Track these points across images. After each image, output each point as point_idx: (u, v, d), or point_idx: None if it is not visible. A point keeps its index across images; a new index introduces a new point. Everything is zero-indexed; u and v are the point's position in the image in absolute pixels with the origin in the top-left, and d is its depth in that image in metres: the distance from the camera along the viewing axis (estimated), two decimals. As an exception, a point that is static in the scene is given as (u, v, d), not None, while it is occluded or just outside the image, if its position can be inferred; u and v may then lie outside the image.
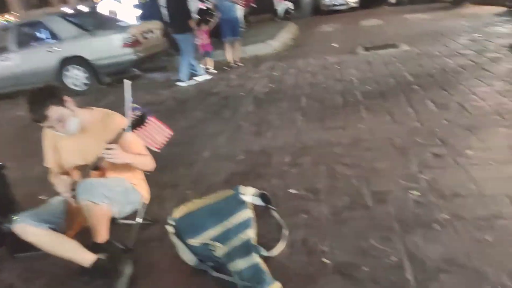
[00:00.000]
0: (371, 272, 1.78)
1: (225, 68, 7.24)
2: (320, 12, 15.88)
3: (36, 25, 7.55)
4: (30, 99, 1.99)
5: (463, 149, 2.74)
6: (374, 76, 5.11)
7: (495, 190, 2.20)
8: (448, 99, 3.77)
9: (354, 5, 15.44)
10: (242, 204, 2.31)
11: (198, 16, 6.93)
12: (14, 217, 1.93)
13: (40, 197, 2.99)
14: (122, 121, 2.04)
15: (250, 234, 2.10)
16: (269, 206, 2.40)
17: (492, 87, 3.88)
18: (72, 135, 2.12)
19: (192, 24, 6.37)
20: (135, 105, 2.03)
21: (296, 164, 2.98)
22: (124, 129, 1.98)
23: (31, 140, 2.27)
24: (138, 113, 2.02)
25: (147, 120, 2.04)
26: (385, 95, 4.23)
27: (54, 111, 1.97)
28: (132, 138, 2.12)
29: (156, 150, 2.18)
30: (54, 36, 7.21)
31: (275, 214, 2.32)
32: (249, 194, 2.44)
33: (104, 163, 2.06)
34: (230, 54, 7.37)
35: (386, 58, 6.03)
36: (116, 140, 1.99)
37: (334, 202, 2.39)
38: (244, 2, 7.70)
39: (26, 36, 7.55)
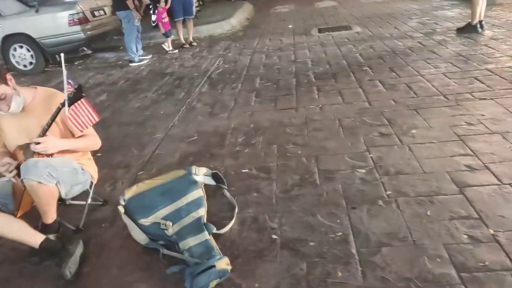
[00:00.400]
0: (317, 246, 1.87)
1: (177, 48, 7.08)
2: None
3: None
4: None
5: (409, 129, 2.90)
6: (327, 57, 5.21)
7: (437, 168, 2.35)
8: (396, 80, 3.94)
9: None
10: (194, 184, 2.33)
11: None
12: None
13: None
14: (63, 98, 1.97)
15: (202, 212, 2.14)
16: (221, 185, 2.43)
17: (438, 69, 4.09)
18: (15, 115, 2.03)
19: (130, 3, 6.10)
20: (69, 80, 1.96)
21: (249, 144, 3.02)
22: (62, 104, 1.92)
23: None
24: (74, 87, 1.95)
25: (84, 94, 1.98)
26: (337, 77, 4.34)
27: None
28: (79, 116, 2.05)
29: (79, 131, 2.09)
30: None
31: (227, 193, 2.36)
32: (201, 174, 2.46)
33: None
34: (181, 34, 7.22)
35: (339, 39, 6.15)
36: (54, 119, 1.93)
37: (285, 180, 2.46)
38: None
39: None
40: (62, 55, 2.09)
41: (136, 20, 6.29)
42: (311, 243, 1.90)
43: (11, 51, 6.76)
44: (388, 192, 2.20)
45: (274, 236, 1.98)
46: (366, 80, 4.07)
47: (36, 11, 6.60)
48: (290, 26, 8.00)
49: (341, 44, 5.82)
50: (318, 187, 2.34)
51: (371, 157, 2.59)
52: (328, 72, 4.57)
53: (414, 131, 2.85)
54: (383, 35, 6.00)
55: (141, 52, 6.72)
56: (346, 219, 2.03)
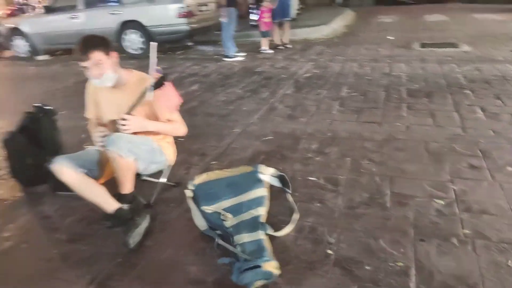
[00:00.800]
0: (373, 272, 1.76)
1: (272, 49, 7.19)
2: (384, 1, 15.22)
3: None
4: (82, 39, 2.11)
5: (505, 164, 2.58)
6: (425, 74, 4.87)
7: (529, 214, 2.07)
8: (500, 109, 3.55)
9: (420, -3, 14.63)
10: (259, 182, 2.34)
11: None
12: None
13: (85, 146, 3.21)
14: (148, 83, 2.12)
15: (261, 211, 2.14)
16: (285, 188, 2.41)
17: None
18: (111, 91, 2.25)
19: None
20: (158, 67, 2.10)
21: (322, 153, 2.95)
22: (147, 88, 2.07)
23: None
24: (160, 74, 2.09)
25: (165, 82, 2.11)
26: (432, 96, 4.04)
27: (96, 55, 2.06)
28: (163, 101, 2.21)
29: (165, 113, 2.26)
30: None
31: (290, 198, 2.33)
32: (268, 174, 2.47)
33: None
34: (277, 35, 7.32)
35: (442, 57, 5.72)
36: (139, 100, 2.09)
37: (352, 196, 2.36)
38: None
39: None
40: (154, 44, 2.18)
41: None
42: (367, 267, 1.79)
43: (123, 35, 7.47)
44: (466, 231, 1.98)
45: (329, 251, 1.91)
46: (465, 105, 3.72)
47: (151, 2, 7.21)
48: (391, 38, 7.65)
49: (443, 62, 5.40)
50: (387, 210, 2.20)
51: (453, 189, 2.35)
52: (423, 90, 4.27)
53: (510, 168, 2.53)
54: (495, 58, 5.44)
55: (236, 48, 6.96)
56: (410, 250, 1.88)
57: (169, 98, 2.19)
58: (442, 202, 2.23)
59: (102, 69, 2.11)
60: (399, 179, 2.51)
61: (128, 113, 2.10)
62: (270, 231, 2.00)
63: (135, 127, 2.12)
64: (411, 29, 8.57)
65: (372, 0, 15.69)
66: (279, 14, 7.05)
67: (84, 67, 2.10)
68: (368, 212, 2.19)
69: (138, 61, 7.18)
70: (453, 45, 6.49)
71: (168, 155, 2.45)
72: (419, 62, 5.53)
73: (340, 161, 2.81)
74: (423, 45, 6.68)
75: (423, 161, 2.72)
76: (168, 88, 2.17)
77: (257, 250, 1.85)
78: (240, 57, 6.76)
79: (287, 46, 7.36)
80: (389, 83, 4.63)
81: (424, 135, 3.12)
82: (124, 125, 2.07)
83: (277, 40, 7.36)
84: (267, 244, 1.91)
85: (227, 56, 6.70)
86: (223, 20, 6.49)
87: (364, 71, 5.28)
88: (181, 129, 2.38)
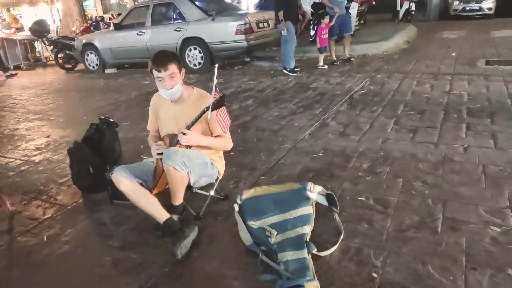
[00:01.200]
0: (419, 298, 1.71)
1: (328, 65, 7.20)
2: (448, 16, 14.58)
3: (168, 5, 8.35)
4: (159, 52, 2.33)
5: None
6: (488, 94, 4.61)
7: None
8: None
9: (488, 12, 13.79)
10: (306, 200, 2.37)
11: (311, 10, 6.99)
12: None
13: (143, 157, 3.44)
14: (209, 102, 2.25)
15: (306, 230, 2.16)
16: (333, 207, 2.41)
17: None
18: (172, 105, 2.43)
19: (280, 14, 6.39)
20: (218, 89, 2.24)
21: (374, 172, 2.91)
22: (206, 107, 2.20)
23: (149, 106, 2.64)
24: (219, 95, 2.22)
25: (225, 103, 2.24)
26: (494, 117, 3.81)
27: (173, 68, 2.27)
28: (219, 119, 2.34)
29: (220, 131, 2.42)
30: (181, 17, 7.92)
31: (336, 217, 2.33)
32: (315, 192, 2.49)
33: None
34: (333, 51, 7.36)
35: (509, 75, 5.36)
36: (199, 118, 2.23)
37: (402, 219, 2.30)
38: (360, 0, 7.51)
39: (160, 14, 8.42)
40: (216, 66, 2.39)
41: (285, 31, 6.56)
42: (413, 293, 1.75)
43: (187, 51, 7.88)
44: (524, 262, 1.86)
45: (374, 274, 1.88)
46: (532, 126, 3.48)
47: (212, 20, 7.56)
48: (453, 54, 7.32)
49: (509, 81, 5.07)
50: (438, 235, 2.12)
51: (512, 216, 2.22)
52: (485, 110, 4.05)
53: None
54: None
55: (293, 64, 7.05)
56: (461, 279, 1.80)
57: (223, 119, 2.32)
58: (498, 229, 2.11)
59: (174, 82, 2.30)
60: (453, 203, 2.41)
61: (189, 128, 2.24)
62: (314, 250, 2.01)
63: (193, 141, 2.26)
64: (476, 46, 8.13)
65: (436, 15, 15.09)
66: (337, 31, 7.11)
67: (159, 77, 2.29)
68: (418, 236, 2.13)
69: (197, 75, 7.52)
70: (523, 62, 6.08)
71: (219, 168, 2.57)
72: (483, 80, 5.23)
73: (392, 181, 2.75)
74: (488, 63, 6.31)
75: (480, 185, 2.59)
76: (224, 110, 2.30)
77: (300, 269, 1.87)
78: (296, 72, 6.83)
79: (351, 59, 7.39)
80: (448, 101, 4.44)
81: (483, 158, 2.96)
82: (183, 138, 2.22)
83: (334, 56, 7.38)
84: (310, 263, 1.93)
85: (285, 69, 6.82)
86: (283, 33, 6.60)
87: (423, 88, 5.11)
88: (229, 144, 2.52)
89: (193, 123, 2.27)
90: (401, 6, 12.95)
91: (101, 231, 2.53)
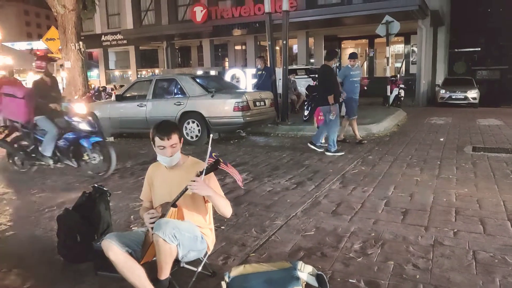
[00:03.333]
0: None
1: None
2: (436, 103, 15.41)
3: (171, 81, 8.82)
4: (162, 122, 2.45)
5: None
6: (476, 179, 4.74)
7: None
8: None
9: (473, 101, 14.64)
10: (296, 280, 2.32)
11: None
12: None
13: (132, 227, 3.41)
14: (203, 166, 2.30)
15: (295, 311, 2.10)
16: (322, 289, 2.36)
17: None
18: (166, 172, 2.49)
19: (331, 99, 6.41)
20: (214, 153, 2.32)
21: (365, 254, 2.89)
22: (200, 172, 2.26)
23: (143, 176, 2.68)
24: (213, 160, 2.29)
25: (220, 166, 2.29)
26: (483, 202, 3.89)
27: (175, 138, 2.38)
28: (212, 183, 2.40)
29: (241, 185, 2.54)
30: (182, 92, 8.32)
31: (326, 299, 2.27)
32: (306, 272, 2.44)
33: (180, 203, 2.34)
34: (356, 130, 7.68)
35: (494, 161, 5.56)
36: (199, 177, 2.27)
37: (393, 303, 2.25)
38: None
39: (161, 88, 8.85)
40: (211, 135, 2.52)
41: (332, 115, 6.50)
42: None
43: (185, 124, 8.14)
44: None
45: None
46: (519, 213, 3.53)
47: (212, 96, 7.94)
48: (442, 140, 7.62)
49: (496, 168, 5.24)
50: (430, 323, 2.07)
51: (504, 307, 2.18)
52: (474, 195, 4.13)
53: None
54: (555, 166, 5.19)
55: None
56: None
57: (235, 173, 2.41)
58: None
59: (174, 151, 2.40)
60: (445, 289, 2.37)
61: (198, 175, 2.26)
62: (302, 334, 1.93)
63: (202, 188, 2.24)
64: (463, 132, 8.51)
65: (424, 102, 15.95)
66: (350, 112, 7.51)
67: (161, 146, 2.37)
68: (409, 324, 2.07)
69: (194, 148, 7.67)
70: (507, 150, 6.32)
71: (208, 242, 2.54)
72: (471, 165, 5.41)
73: (383, 264, 2.73)
74: (475, 149, 6.57)
75: (470, 271, 2.58)
76: (229, 167, 2.37)
77: None
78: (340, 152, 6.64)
79: (363, 142, 7.44)
80: (438, 185, 4.54)
81: (473, 243, 2.98)
82: (193, 185, 2.21)
83: (357, 136, 7.60)
84: None
85: (329, 151, 6.60)
86: (331, 117, 6.50)
87: (413, 171, 5.24)
88: (229, 206, 2.45)
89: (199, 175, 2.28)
90: (391, 92, 13.76)
91: (82, 305, 2.42)
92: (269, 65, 10.18)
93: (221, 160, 2.34)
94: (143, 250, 2.32)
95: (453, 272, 2.57)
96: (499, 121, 9.97)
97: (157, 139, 2.38)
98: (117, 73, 25.54)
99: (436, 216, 3.58)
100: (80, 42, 12.32)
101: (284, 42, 9.82)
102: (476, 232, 3.19)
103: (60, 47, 13.37)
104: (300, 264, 2.45)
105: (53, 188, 5.02)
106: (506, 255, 2.76)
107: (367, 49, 21.49)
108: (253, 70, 10.83)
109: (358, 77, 7.49)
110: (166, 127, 2.40)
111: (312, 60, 20.21)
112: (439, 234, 3.17)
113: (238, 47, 23.76)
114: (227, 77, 11.42)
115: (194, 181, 2.23)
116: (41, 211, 4.09)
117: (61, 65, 14.09)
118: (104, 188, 3.22)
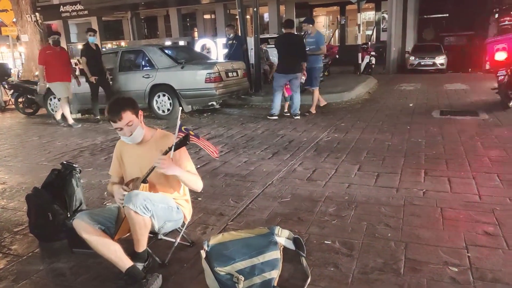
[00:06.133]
0: None
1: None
2: (406, 70, 15.68)
3: (138, 52, 8.52)
4: (112, 101, 2.33)
5: (522, 233, 2.54)
6: (444, 141, 4.92)
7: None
8: (519, 177, 3.52)
9: (441, 66, 15.01)
10: (274, 244, 2.38)
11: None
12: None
13: (105, 203, 3.36)
14: (172, 141, 2.27)
15: (274, 274, 2.16)
16: (299, 251, 2.43)
17: None
18: (135, 147, 2.41)
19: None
20: (184, 127, 2.28)
21: (339, 216, 2.98)
22: (169, 148, 2.21)
23: (111, 152, 2.60)
24: (183, 134, 2.24)
25: (189, 141, 2.25)
26: (449, 163, 4.06)
27: (127, 116, 2.26)
28: (182, 157, 2.37)
29: (215, 157, 2.47)
30: (150, 64, 8.07)
31: (303, 261, 2.34)
32: (283, 236, 2.50)
33: (152, 178, 2.31)
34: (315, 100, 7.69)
35: (460, 126, 5.77)
36: (168, 152, 2.22)
37: (366, 261, 2.35)
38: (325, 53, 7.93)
39: (128, 61, 8.54)
40: (180, 108, 2.45)
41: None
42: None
43: (155, 98, 7.96)
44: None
45: (340, 317, 1.89)
46: (482, 172, 3.72)
47: (182, 68, 7.74)
48: (411, 105, 7.81)
49: (462, 131, 5.44)
50: (401, 276, 2.18)
51: (468, 256, 2.32)
52: (441, 157, 4.30)
53: (529, 237, 2.48)
54: (516, 126, 5.44)
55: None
56: (424, 320, 1.84)
57: (207, 145, 2.38)
58: (455, 269, 2.20)
59: (133, 128, 2.30)
60: (414, 245, 2.50)
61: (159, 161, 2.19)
62: (281, 294, 2.00)
63: (168, 167, 2.19)
64: (431, 97, 8.73)
65: (394, 69, 16.19)
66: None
67: (117, 128, 2.28)
68: (382, 278, 2.18)
69: (166, 122, 7.55)
70: (472, 113, 6.56)
71: (185, 213, 2.53)
72: (438, 129, 5.60)
73: (356, 225, 2.83)
74: (442, 113, 6.78)
75: (438, 227, 2.71)
76: (201, 140, 2.34)
77: (267, 313, 1.85)
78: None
79: (311, 112, 7.56)
80: (408, 149, 4.68)
81: (440, 201, 3.12)
82: (160, 163, 2.16)
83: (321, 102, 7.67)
84: (277, 307, 1.91)
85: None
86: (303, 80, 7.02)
87: (384, 136, 5.38)
88: (199, 182, 2.44)
89: (164, 154, 2.22)
90: (362, 60, 13.86)
91: (58, 282, 2.38)
92: (240, 34, 9.98)
93: (192, 133, 2.30)
94: (116, 226, 2.29)
95: (423, 229, 2.69)
96: (465, 85, 10.28)
97: (111, 122, 2.29)
98: (79, 46, 24.45)
99: (406, 177, 3.71)
100: (37, 14, 11.63)
101: (255, 9, 9.61)
102: (443, 191, 3.34)
103: (14, 19, 12.60)
104: (278, 229, 2.50)
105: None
106: (470, 211, 2.92)
107: (339, 16, 21.42)
108: (224, 40, 10.59)
109: (311, 45, 7.32)
110: (114, 108, 2.26)
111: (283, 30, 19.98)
112: (409, 194, 3.30)
113: (207, 16, 23.14)
114: (197, 48, 11.15)
115: (161, 159, 2.18)
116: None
117: (17, 39, 13.27)
118: (74, 165, 3.13)
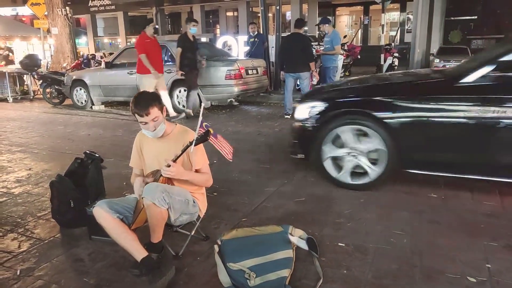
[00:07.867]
0: None
1: None
2: (430, 72, 15.34)
3: (161, 47, 8.58)
4: (139, 96, 2.38)
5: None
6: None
7: None
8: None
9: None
10: (287, 243, 2.38)
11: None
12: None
13: (125, 193, 3.42)
14: (192, 137, 2.30)
15: (286, 273, 2.16)
16: (312, 252, 2.42)
17: None
18: (155, 141, 2.46)
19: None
20: (206, 123, 2.31)
21: (355, 219, 2.95)
22: (190, 142, 2.25)
23: (132, 143, 2.66)
24: (203, 130, 2.29)
25: (209, 138, 2.30)
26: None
27: (154, 111, 2.31)
28: (199, 155, 2.41)
29: (229, 158, 2.50)
30: (173, 59, 8.12)
31: (316, 262, 2.33)
32: (296, 236, 2.50)
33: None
34: None
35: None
36: (182, 152, 2.27)
37: (380, 266, 2.32)
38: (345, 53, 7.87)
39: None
40: (203, 104, 2.48)
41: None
42: None
43: (176, 92, 8.03)
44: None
45: (351, 321, 1.87)
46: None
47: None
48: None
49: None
50: (415, 284, 2.14)
51: (488, 267, 2.26)
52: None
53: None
54: None
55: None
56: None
57: (223, 146, 2.43)
58: (474, 280, 2.15)
59: (157, 123, 2.36)
60: (431, 252, 2.45)
61: (174, 160, 2.26)
62: (293, 294, 2.00)
63: (176, 174, 2.26)
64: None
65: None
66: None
67: (142, 122, 2.33)
68: (395, 284, 2.14)
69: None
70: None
71: (200, 206, 2.56)
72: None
73: (372, 228, 2.80)
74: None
75: (458, 235, 2.65)
76: (218, 140, 2.37)
77: (278, 311, 1.85)
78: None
79: None
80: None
81: (461, 209, 3.05)
82: (167, 170, 2.22)
83: None
84: (288, 306, 1.91)
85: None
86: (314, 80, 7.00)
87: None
88: (210, 180, 2.53)
89: (177, 157, 2.28)
90: (384, 61, 13.62)
91: (77, 267, 2.46)
92: (262, 32, 9.96)
93: (211, 131, 2.33)
94: (134, 216, 2.34)
95: (441, 236, 2.64)
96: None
97: (136, 116, 2.33)
98: (106, 40, 24.92)
99: (423, 184, 3.63)
100: (67, 8, 11.92)
101: (278, 8, 9.58)
102: (464, 198, 3.26)
103: (46, 13, 12.94)
104: (291, 228, 2.50)
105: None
106: (493, 220, 2.84)
107: (362, 16, 21.13)
108: (245, 37, 10.58)
109: (326, 45, 7.41)
110: (143, 102, 2.31)
111: (305, 28, 19.86)
112: (428, 200, 3.24)
113: (229, 13, 23.19)
114: (219, 44, 11.18)
115: (169, 165, 2.22)
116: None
117: (48, 31, 13.64)
118: (96, 154, 3.21)
